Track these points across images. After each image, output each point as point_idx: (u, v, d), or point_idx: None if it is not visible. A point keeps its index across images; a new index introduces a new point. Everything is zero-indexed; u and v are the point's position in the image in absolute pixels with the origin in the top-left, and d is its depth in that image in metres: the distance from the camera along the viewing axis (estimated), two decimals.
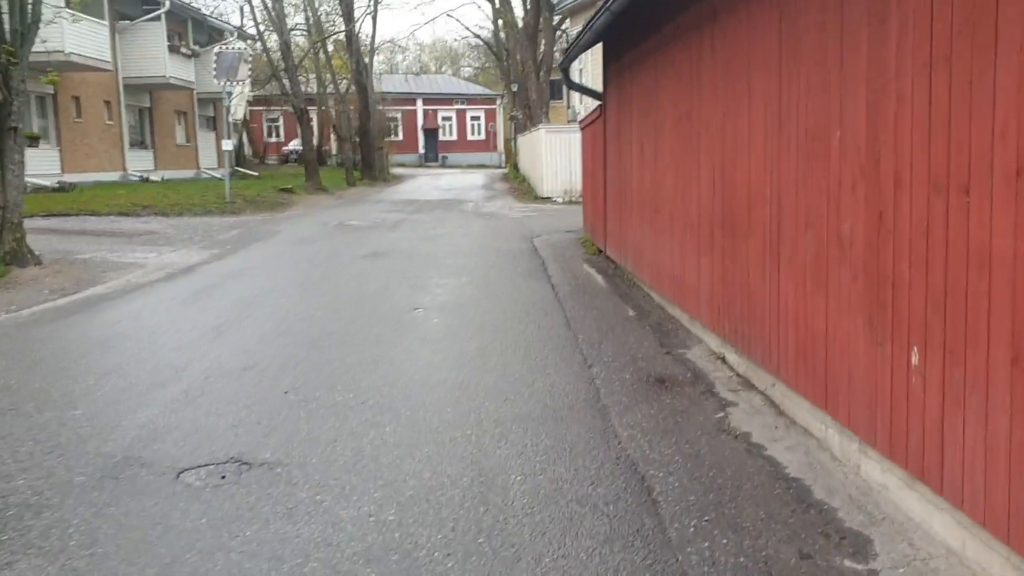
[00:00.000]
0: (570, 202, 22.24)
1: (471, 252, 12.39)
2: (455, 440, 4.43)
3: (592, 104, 29.19)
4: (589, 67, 33.00)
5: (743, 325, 5.36)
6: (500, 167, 59.04)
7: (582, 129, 13.86)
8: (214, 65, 20.97)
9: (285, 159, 54.52)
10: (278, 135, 64.23)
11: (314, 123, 53.78)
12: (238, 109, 21.83)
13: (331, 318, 7.73)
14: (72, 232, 14.64)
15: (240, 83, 21.26)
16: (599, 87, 11.48)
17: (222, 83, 20.80)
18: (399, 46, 69.24)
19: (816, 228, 4.18)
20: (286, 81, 27.73)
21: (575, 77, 35.47)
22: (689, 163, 6.66)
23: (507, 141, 64.71)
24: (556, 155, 22.66)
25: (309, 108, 52.92)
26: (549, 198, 22.85)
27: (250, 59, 22.26)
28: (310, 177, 27.81)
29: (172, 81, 31.67)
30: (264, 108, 57.62)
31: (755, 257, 5.09)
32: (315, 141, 53.90)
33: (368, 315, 7.84)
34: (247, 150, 56.39)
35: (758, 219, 5.02)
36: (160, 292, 9.27)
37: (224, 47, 20.78)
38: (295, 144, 57.54)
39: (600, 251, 11.84)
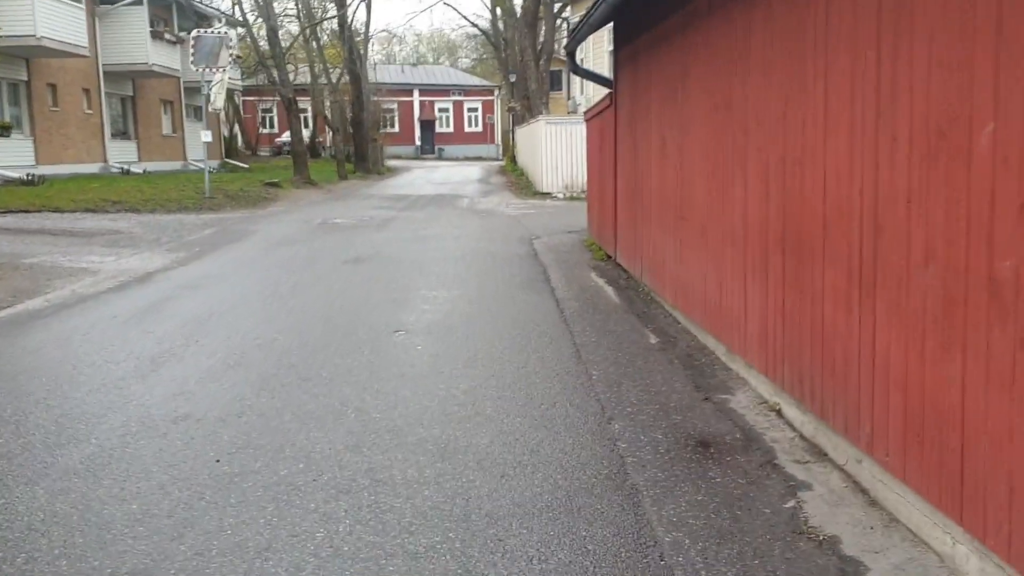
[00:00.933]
0: (572, 198, 21.01)
1: (464, 257, 11.14)
2: (432, 551, 3.20)
3: (596, 94, 27.89)
4: (590, 55, 31.68)
5: (812, 375, 4.14)
6: (497, 159, 57.78)
7: (587, 121, 12.61)
8: (192, 50, 19.66)
9: (278, 151, 53.08)
10: (272, 126, 62.95)
11: (308, 114, 52.61)
12: (218, 98, 20.50)
13: (295, 344, 6.49)
14: (28, 231, 13.37)
15: (221, 70, 19.95)
16: (603, 72, 10.25)
17: (200, 69, 19.49)
18: (397, 36, 67.93)
19: (945, 263, 2.95)
20: (275, 70, 26.34)
21: (577, 60, 34.27)
22: (729, 163, 5.42)
23: (505, 133, 63.43)
24: (557, 148, 21.41)
25: (302, 99, 51.64)
26: (549, 194, 21.61)
27: (232, 44, 20.92)
28: (298, 170, 26.53)
29: (156, 69, 30.32)
30: (257, 98, 56.32)
31: (834, 291, 3.86)
32: (308, 133, 52.76)
33: (340, 340, 6.60)
34: (239, 141, 55.18)
35: (839, 241, 3.79)
36: (104, 307, 8.02)
37: (203, 31, 19.43)
38: (289, 135, 56.31)
39: (609, 257, 10.61)
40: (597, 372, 5.64)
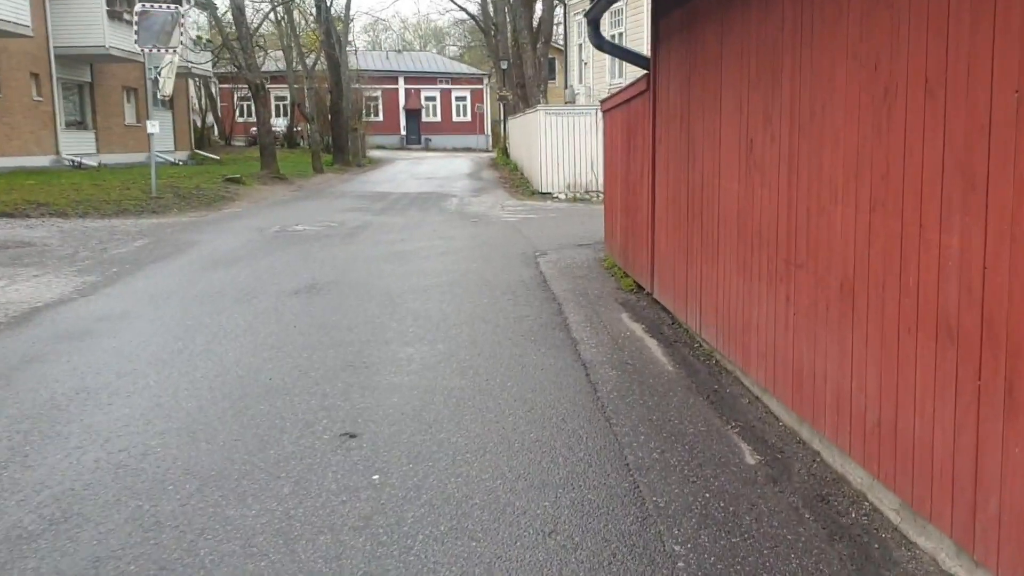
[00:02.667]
0: (575, 199, 18.54)
1: (452, 285, 8.66)
2: None
3: (598, 83, 25.40)
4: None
5: None
6: (487, 151, 55.31)
7: (605, 112, 10.13)
8: (137, 26, 17.04)
9: (253, 140, 50.21)
10: (250, 115, 60.28)
11: (287, 102, 49.87)
12: (167, 83, 17.90)
13: (172, 470, 4.01)
14: None
15: (172, 51, 17.34)
16: (604, 58, 7.77)
17: (147, 50, 16.89)
18: (382, 21, 65.26)
19: None
20: (241, 54, 23.66)
21: (577, 51, 31.59)
22: (928, 184, 2.98)
23: (495, 123, 60.89)
24: (557, 143, 18.93)
25: (279, 86, 48.75)
26: (549, 194, 19.13)
27: (184, 22, 18.29)
28: (266, 164, 23.94)
29: (113, 52, 27.61)
30: (233, 86, 53.38)
31: None
32: (285, 122, 50.04)
33: (246, 460, 4.12)
34: (215, 131, 52.39)
35: None
36: None
37: (151, 4, 16.79)
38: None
39: (640, 288, 8.16)
40: (682, 540, 3.19)
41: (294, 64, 33.29)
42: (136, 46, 29.26)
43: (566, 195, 18.94)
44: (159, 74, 17.56)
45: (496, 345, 6.26)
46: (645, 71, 7.59)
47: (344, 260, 10.25)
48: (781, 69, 4.38)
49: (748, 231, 4.93)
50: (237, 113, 59.19)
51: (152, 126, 17.36)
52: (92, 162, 26.35)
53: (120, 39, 27.75)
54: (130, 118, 32.57)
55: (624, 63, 25.72)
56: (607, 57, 27.23)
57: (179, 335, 6.64)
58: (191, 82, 42.45)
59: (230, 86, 53.87)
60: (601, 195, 18.83)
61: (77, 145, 27.68)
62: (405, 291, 8.30)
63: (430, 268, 9.69)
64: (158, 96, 18.63)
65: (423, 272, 9.41)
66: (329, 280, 8.91)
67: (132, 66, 31.02)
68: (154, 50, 17.09)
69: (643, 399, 5.00)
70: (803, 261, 4.14)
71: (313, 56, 32.73)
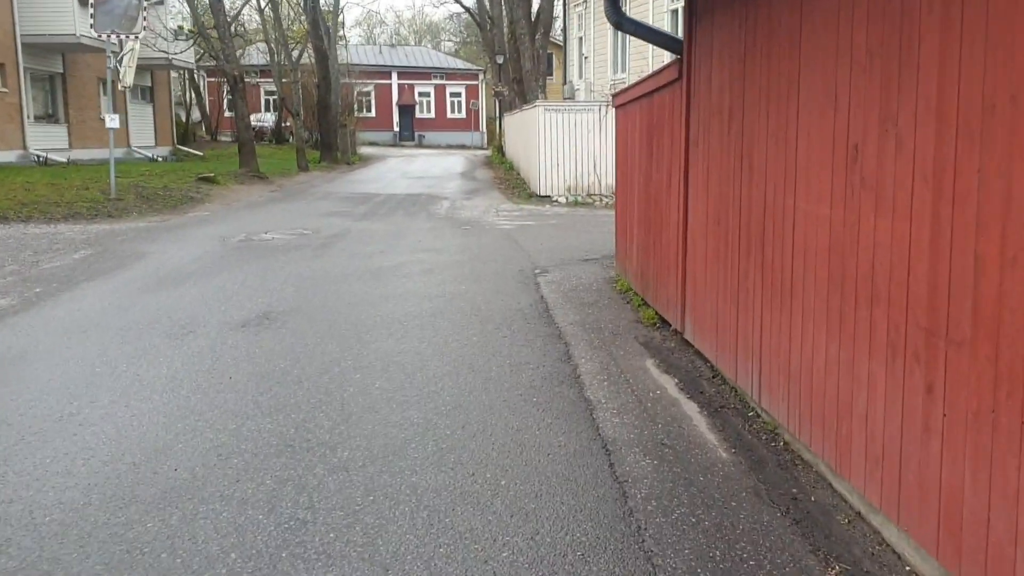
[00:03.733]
0: (576, 203, 17.05)
1: (434, 317, 7.15)
2: None
3: (598, 79, 23.88)
4: (591, 32, 27.65)
5: None
6: (482, 148, 53.83)
7: (618, 107, 8.61)
8: (92, 10, 15.47)
9: None
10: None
11: (276, 96, 48.17)
12: (128, 73, 16.33)
13: None
14: None
15: (134, 38, 15.78)
16: (605, 52, 6.26)
17: (106, 36, 15.33)
18: (376, 14, 63.74)
19: None
20: (220, 44, 22.06)
21: (577, 45, 30.02)
22: None
23: (490, 120, 59.37)
24: (557, 141, 17.43)
25: (266, 80, 47.07)
26: (548, 197, 17.62)
27: (147, 6, 16.72)
28: (245, 162, 22.36)
29: (85, 41, 25.90)
30: (221, 79, 51.64)
31: None
32: (273, 117, 48.40)
33: None
34: (203, 127, 50.71)
35: None
36: None
37: None
38: (255, 119, 51.75)
39: (663, 320, 6.66)
40: None
41: (277, 56, 31.70)
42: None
43: (567, 198, 17.44)
44: (119, 62, 15.98)
45: (487, 411, 4.75)
46: (675, 56, 6.09)
47: (310, 279, 8.72)
48: (919, 41, 2.89)
49: (850, 276, 3.43)
50: (226, 107, 57.62)
51: (111, 120, 15.79)
52: (61, 158, 24.76)
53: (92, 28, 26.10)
54: (107, 111, 30.92)
55: (627, 57, 24.24)
56: (609, 51, 25.74)
57: (79, 390, 5.12)
58: (172, 74, 40.86)
59: (218, 79, 52.07)
60: (605, 199, 17.36)
61: (47, 140, 26.05)
62: (377, 324, 6.79)
63: (411, 291, 8.18)
64: (119, 87, 17.00)
65: (402, 296, 7.91)
66: (287, 307, 7.39)
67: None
68: (114, 36, 15.54)
69: (696, 514, 3.51)
70: (965, 338, 2.65)
71: (299, 48, 31.07)
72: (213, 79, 52.58)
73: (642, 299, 7.39)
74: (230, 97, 59.41)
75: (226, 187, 19.08)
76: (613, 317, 7.07)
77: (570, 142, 17.43)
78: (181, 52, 25.97)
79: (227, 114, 56.72)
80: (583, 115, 17.35)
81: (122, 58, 15.76)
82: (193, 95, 44.22)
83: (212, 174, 19.24)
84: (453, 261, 9.98)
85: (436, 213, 15.49)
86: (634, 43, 23.51)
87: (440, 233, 12.61)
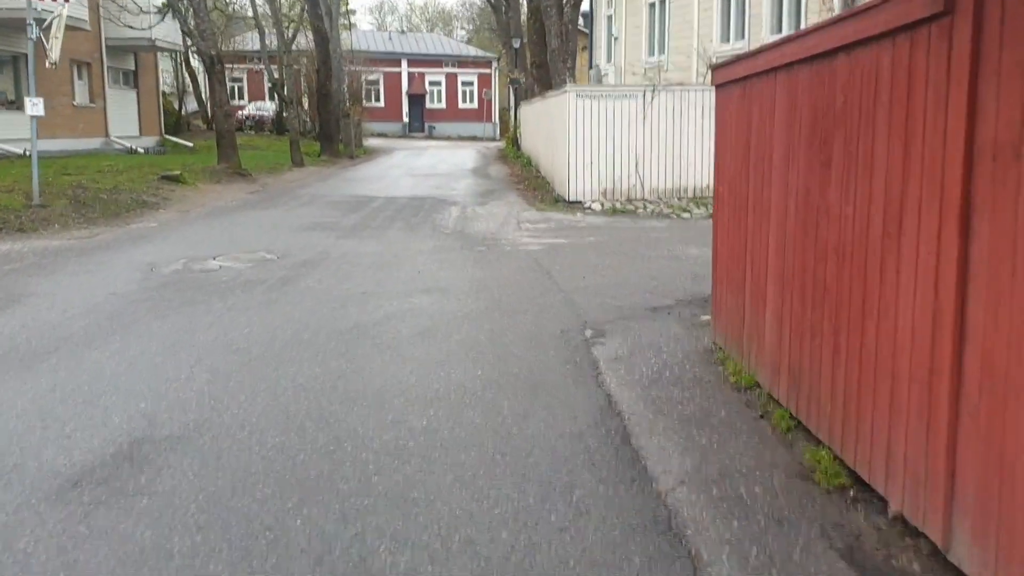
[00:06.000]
0: (614, 211, 13.90)
1: (425, 466, 4.03)
2: None
3: (629, 64, 20.64)
4: (623, 9, 24.35)
5: None
6: (494, 140, 50.70)
7: (728, 85, 5.40)
8: None
9: (239, 126, 45.53)
10: (240, 96, 55.88)
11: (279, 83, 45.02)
12: (54, 45, 13.29)
13: None
14: None
15: (62, 3, 12.73)
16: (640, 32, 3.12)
17: None
18: (390, 4, 60.85)
19: None
20: (191, 17, 18.92)
21: (605, 24, 26.72)
22: None
23: (503, 110, 56.19)
24: (591, 134, 14.27)
25: (272, 66, 44.03)
26: (579, 203, 14.45)
27: None
28: (224, 156, 19.28)
29: (49, 17, 22.88)
30: (227, 65, 48.56)
31: None
32: (274, 106, 45.24)
33: None
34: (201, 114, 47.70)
35: None
36: None
37: None
38: (255, 107, 48.71)
39: (860, 481, 3.50)
40: None
41: (270, 37, 28.66)
42: (83, 10, 24.82)
43: (601, 204, 14.28)
44: (41, 32, 12.93)
45: None
46: None
47: (243, 354, 5.60)
48: None
49: None
50: (230, 94, 54.62)
51: (33, 106, 12.71)
52: (17, 149, 21.71)
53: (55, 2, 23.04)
54: (81, 97, 27.90)
55: (667, 36, 20.99)
56: (644, 30, 22.51)
57: None
58: (166, 58, 37.84)
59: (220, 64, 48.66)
60: (650, 206, 14.18)
61: (6, 129, 23.08)
62: (321, 485, 3.68)
63: (396, 383, 5.05)
64: (47, 64, 13.94)
65: (380, 399, 4.78)
66: (179, 428, 4.28)
67: (83, 36, 26.32)
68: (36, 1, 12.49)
69: None
70: None
71: (293, 28, 27.93)
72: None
73: (791, 416, 4.25)
74: (233, 84, 56.56)
75: (194, 188, 15.99)
76: (752, 462, 3.92)
77: (607, 135, 14.27)
78: (150, 28, 22.77)
79: (231, 102, 54.17)
80: (623, 102, 14.19)
81: (48, 27, 12.71)
82: (183, 81, 41.04)
83: (178, 172, 16.15)
84: (463, 313, 6.85)
85: (443, 225, 12.37)
86: (677, 20, 20.29)
87: (447, 258, 9.49)
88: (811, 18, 15.40)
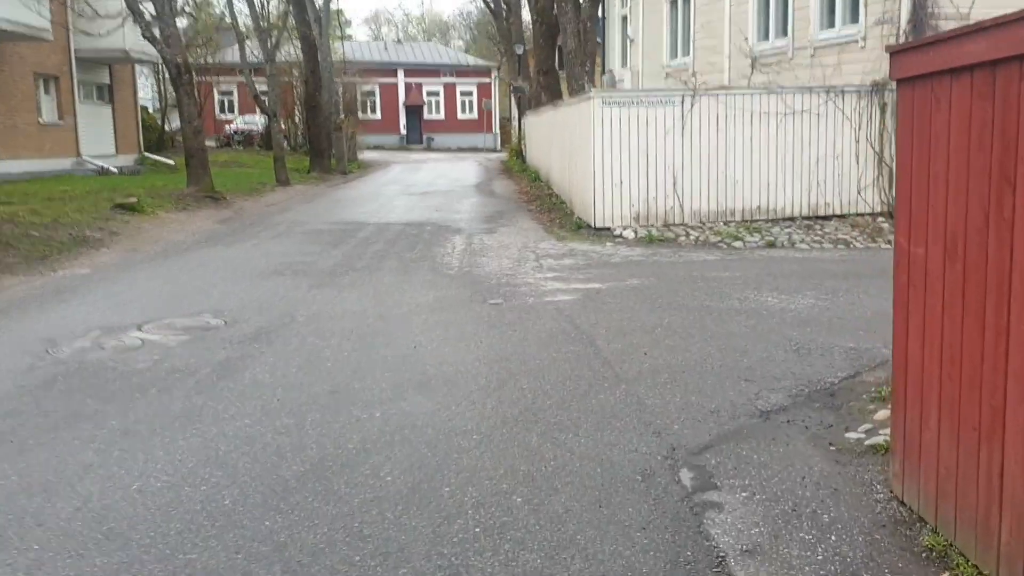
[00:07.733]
0: (650, 239, 11.55)
1: None
2: None
3: (648, 68, 18.37)
4: (639, 9, 22.07)
5: None
6: (495, 151, 48.47)
7: (907, 82, 3.11)
8: None
9: (227, 141, 43.29)
10: (230, 110, 53.82)
11: (267, 97, 42.79)
12: None
13: None
14: None
15: None
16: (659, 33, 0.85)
17: None
18: (385, 12, 59.03)
19: None
20: (166, 26, 16.61)
21: (619, 25, 24.37)
22: None
23: (504, 121, 54.04)
24: (622, 147, 11.94)
25: (258, 79, 41.61)
26: (608, 230, 12.10)
27: None
28: (194, 178, 16.93)
29: (6, 27, 20.68)
30: (216, 78, 46.27)
31: None
32: (262, 120, 42.95)
33: None
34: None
35: None
36: None
37: None
38: (243, 121, 46.46)
39: None
40: None
41: (249, 46, 26.46)
42: (43, 20, 22.58)
43: (635, 232, 11.94)
44: None
45: None
46: None
47: (110, 556, 3.26)
48: None
49: None
50: (217, 109, 52.36)
51: None
52: None
53: (15, 10, 20.84)
54: (49, 115, 25.66)
55: (691, 36, 18.70)
56: (664, 31, 20.22)
57: None
58: (142, 70, 35.59)
59: (211, 78, 46.34)
60: (692, 234, 11.83)
61: None
62: None
63: None
64: None
65: None
66: None
67: (50, 47, 24.08)
68: None
69: None
70: None
71: (276, 35, 25.71)
72: (199, 77, 47.37)
73: None
74: (223, 99, 54.36)
75: (153, 217, 13.63)
76: None
77: (639, 149, 11.96)
78: (108, 34, 20.50)
79: (219, 116, 51.87)
80: (658, 110, 11.87)
81: None
82: (167, 95, 38.79)
83: (135, 199, 13.81)
84: (480, 434, 4.49)
85: (445, 264, 10.02)
86: (705, 17, 18.00)
87: (453, 319, 7.13)
88: (872, 7, 13.10)
